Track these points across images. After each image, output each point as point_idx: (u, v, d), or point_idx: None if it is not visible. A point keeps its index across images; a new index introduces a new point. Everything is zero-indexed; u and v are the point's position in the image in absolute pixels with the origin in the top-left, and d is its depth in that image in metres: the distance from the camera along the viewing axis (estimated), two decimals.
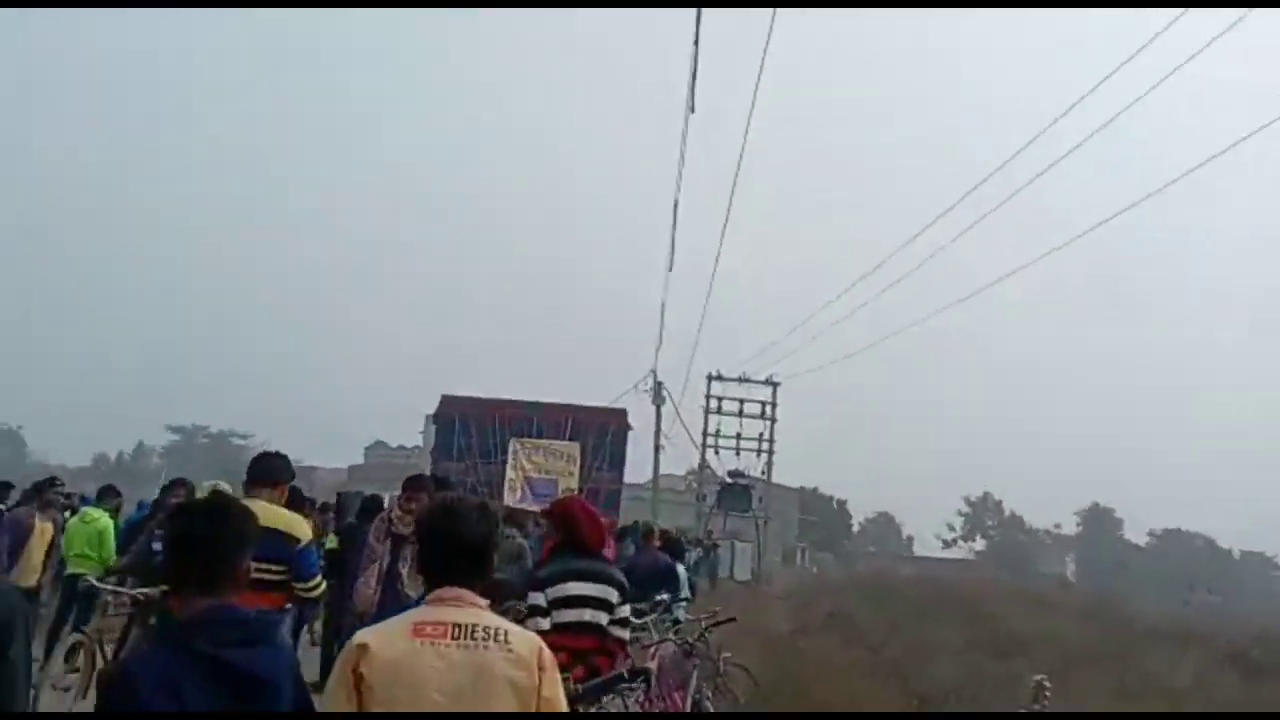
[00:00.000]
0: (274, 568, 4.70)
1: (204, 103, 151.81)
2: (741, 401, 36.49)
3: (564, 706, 2.57)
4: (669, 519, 39.66)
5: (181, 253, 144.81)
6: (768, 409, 36.01)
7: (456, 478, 28.01)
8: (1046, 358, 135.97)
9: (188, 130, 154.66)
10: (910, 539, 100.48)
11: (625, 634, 4.82)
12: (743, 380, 36.36)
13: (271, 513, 4.70)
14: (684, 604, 9.88)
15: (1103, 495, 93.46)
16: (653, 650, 6.27)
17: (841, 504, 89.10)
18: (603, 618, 4.65)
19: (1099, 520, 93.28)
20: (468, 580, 2.58)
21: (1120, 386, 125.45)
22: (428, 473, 30.55)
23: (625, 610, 4.76)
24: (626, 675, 4.96)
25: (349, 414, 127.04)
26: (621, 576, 4.86)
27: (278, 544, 4.68)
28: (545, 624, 4.59)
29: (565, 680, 4.60)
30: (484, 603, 2.58)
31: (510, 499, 26.94)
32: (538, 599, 4.62)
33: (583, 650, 4.58)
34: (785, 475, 49.63)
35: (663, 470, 41.99)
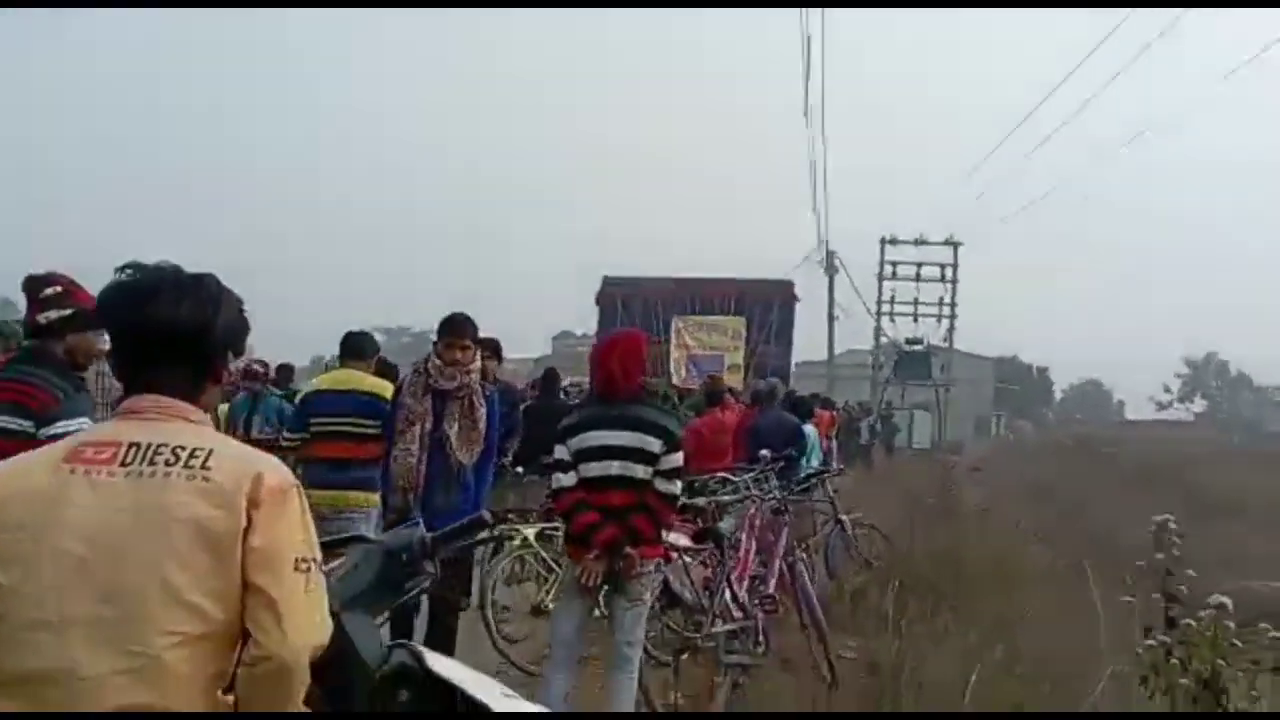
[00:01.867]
0: (370, 423, 5.40)
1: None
2: (919, 265, 34.54)
3: (288, 563, 1.65)
4: (848, 393, 38.62)
5: None
6: (948, 271, 33.95)
7: None
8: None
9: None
10: (1121, 404, 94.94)
11: (675, 487, 4.16)
12: (919, 243, 34.32)
13: (366, 380, 5.67)
14: (812, 466, 9.23)
15: None
16: (750, 512, 5.66)
17: (1043, 371, 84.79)
18: (638, 470, 4.03)
19: None
20: (173, 383, 1.76)
21: None
22: None
23: (675, 459, 4.09)
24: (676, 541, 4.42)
25: (536, 306, 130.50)
26: (669, 421, 4.22)
27: (373, 403, 5.46)
28: (569, 479, 4.11)
29: (583, 547, 4.00)
30: (200, 416, 1.78)
31: (677, 379, 26.71)
32: (561, 452, 4.13)
33: (615, 508, 4.02)
34: (981, 344, 47.38)
35: (847, 345, 40.78)
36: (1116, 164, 64.83)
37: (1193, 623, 3.21)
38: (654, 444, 4.04)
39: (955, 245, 33.46)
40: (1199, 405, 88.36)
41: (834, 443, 17.10)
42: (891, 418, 31.29)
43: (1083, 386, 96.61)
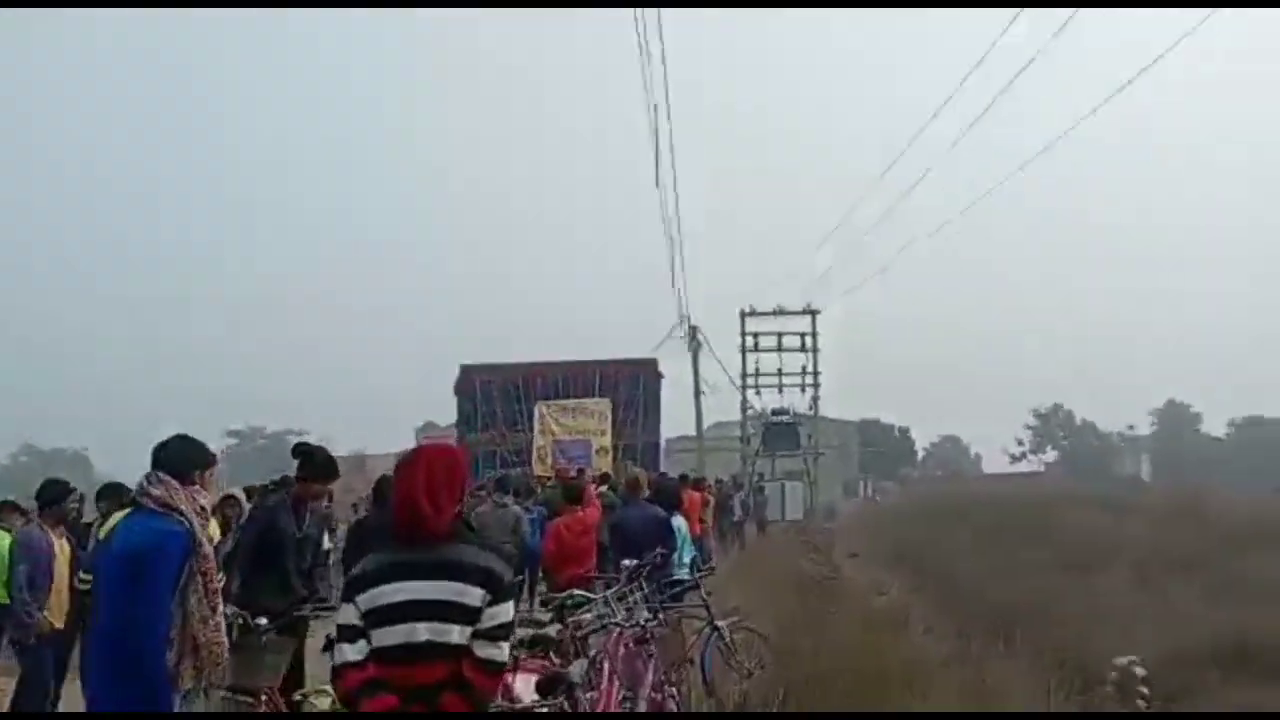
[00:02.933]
0: None
1: (219, 100, 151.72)
2: (779, 335, 34.79)
3: None
4: (719, 467, 38.37)
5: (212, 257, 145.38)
6: (808, 340, 34.30)
7: (485, 449, 27.00)
8: (1102, 248, 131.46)
9: (208, 133, 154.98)
10: (978, 457, 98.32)
11: (502, 652, 3.15)
12: (779, 313, 34.64)
13: None
14: (685, 566, 8.51)
15: (1177, 392, 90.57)
16: (612, 639, 4.86)
17: (904, 431, 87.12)
18: (453, 633, 3.04)
19: (1175, 416, 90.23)
20: None
21: (1184, 270, 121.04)
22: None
23: (503, 611, 3.11)
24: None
25: (398, 398, 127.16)
26: (495, 562, 3.16)
27: None
28: (356, 651, 3.04)
29: None
30: None
31: (540, 468, 25.74)
32: (347, 614, 3.10)
33: (421, 687, 3.02)
34: (842, 408, 48.11)
35: (714, 419, 40.64)
36: (957, 228, 68.05)
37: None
38: (474, 595, 3.06)
39: (814, 313, 33.92)
40: (1050, 455, 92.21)
41: (707, 524, 16.45)
42: (763, 490, 31.06)
43: (942, 444, 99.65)
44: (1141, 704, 8.48)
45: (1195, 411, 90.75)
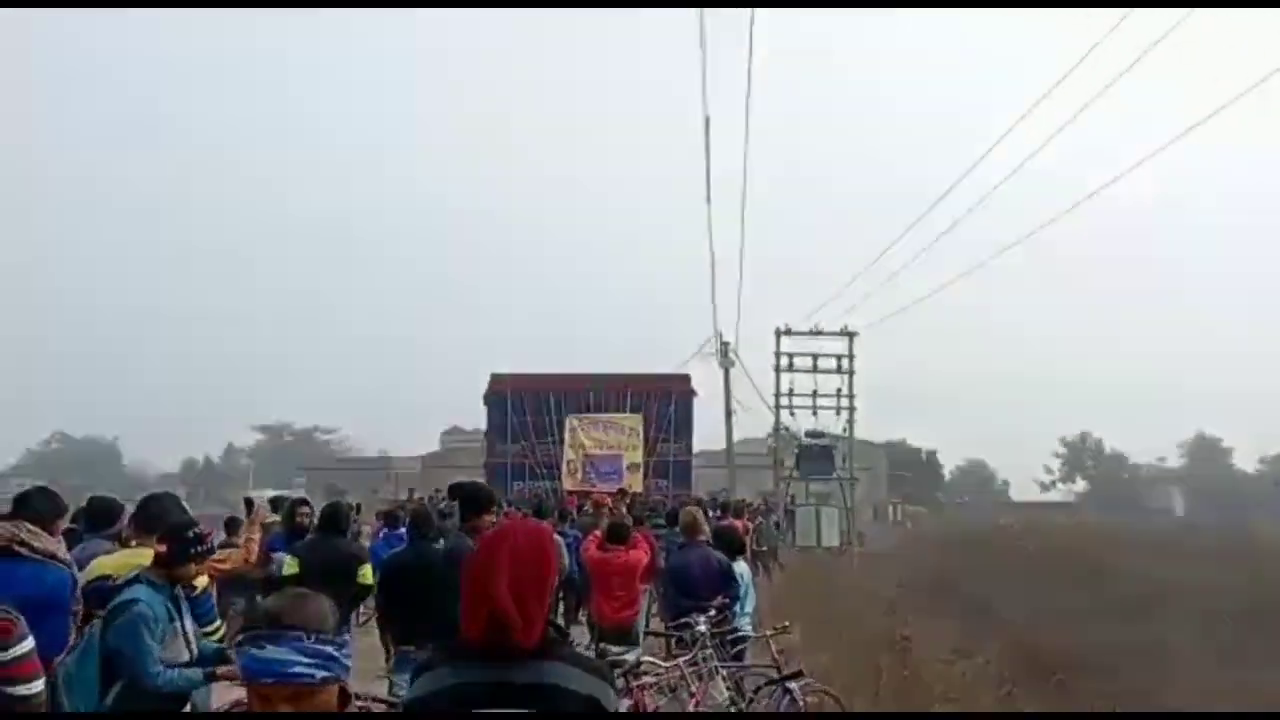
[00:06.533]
0: None
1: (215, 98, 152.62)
2: (815, 356, 33.88)
3: None
4: (750, 485, 37.52)
5: (245, 250, 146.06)
6: (844, 362, 33.35)
7: (514, 461, 26.36)
8: (1134, 286, 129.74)
9: (220, 130, 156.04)
10: (1006, 484, 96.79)
11: None
12: (815, 333, 33.69)
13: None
14: (748, 616, 7.75)
15: (1208, 424, 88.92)
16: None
17: (931, 455, 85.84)
18: None
19: (1206, 450, 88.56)
20: None
21: (1213, 306, 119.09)
22: (483, 459, 29.16)
23: None
24: None
25: (426, 400, 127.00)
26: (599, 685, 2.33)
27: None
28: None
29: None
30: None
31: (570, 482, 25.07)
32: None
33: None
34: (870, 430, 47.10)
35: (742, 434, 39.75)
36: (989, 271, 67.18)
37: None
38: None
39: (850, 335, 32.92)
40: (1079, 485, 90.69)
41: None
42: (793, 514, 30.20)
43: (968, 468, 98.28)
44: None
45: (1226, 446, 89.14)
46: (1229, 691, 11.50)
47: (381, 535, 13.11)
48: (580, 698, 2.28)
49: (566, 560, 10.72)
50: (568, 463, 25.90)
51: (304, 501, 8.43)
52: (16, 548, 4.04)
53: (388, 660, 9.29)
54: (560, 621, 10.23)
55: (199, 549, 4.16)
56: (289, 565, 6.72)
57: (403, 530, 13.49)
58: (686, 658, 5.06)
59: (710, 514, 12.58)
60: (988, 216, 20.57)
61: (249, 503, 8.15)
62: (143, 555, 4.18)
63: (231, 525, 8.35)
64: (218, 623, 5.09)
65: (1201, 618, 16.06)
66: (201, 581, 4.78)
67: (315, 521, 7.68)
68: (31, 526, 4.14)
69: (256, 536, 6.65)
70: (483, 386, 27.89)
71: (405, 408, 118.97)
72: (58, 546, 4.20)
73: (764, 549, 22.99)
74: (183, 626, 4.07)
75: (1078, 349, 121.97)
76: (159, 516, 4.67)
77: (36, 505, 4.36)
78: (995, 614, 15.86)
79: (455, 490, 6.51)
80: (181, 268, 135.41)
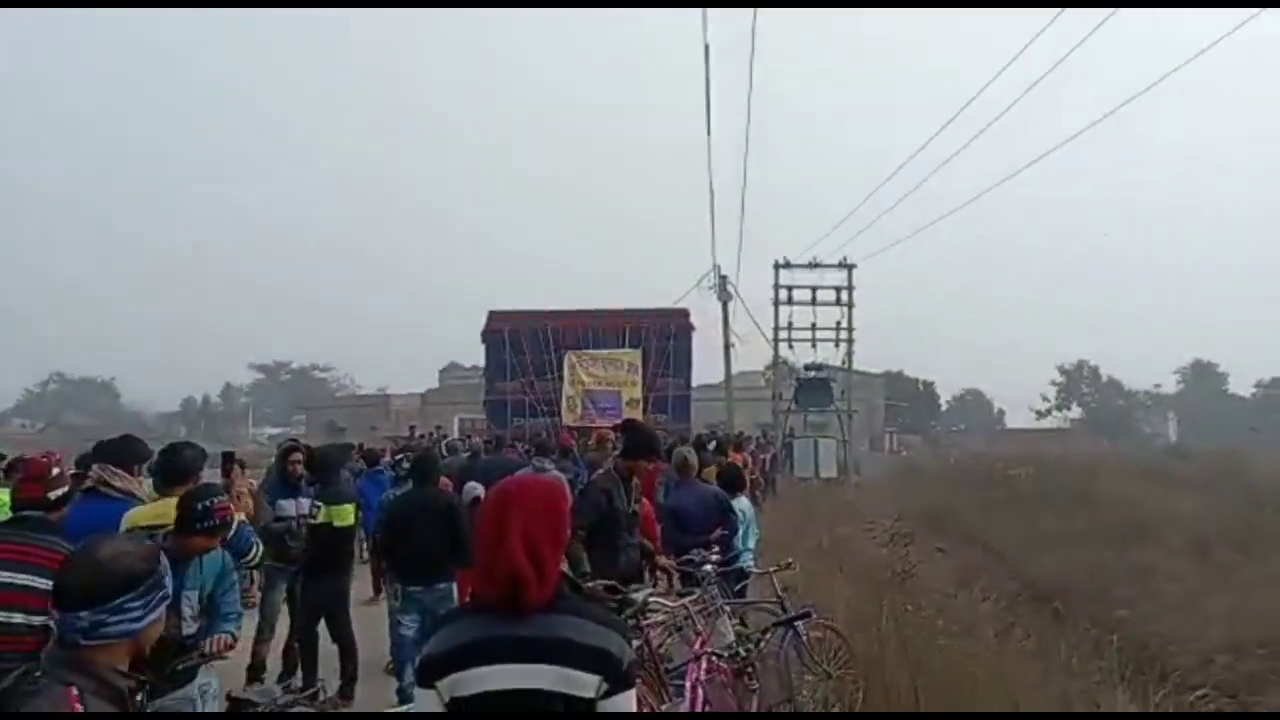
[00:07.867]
0: None
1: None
2: (814, 289, 33.88)
3: None
4: (749, 418, 37.72)
5: (246, 194, 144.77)
6: (843, 294, 33.36)
7: (513, 397, 26.48)
8: (1137, 210, 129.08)
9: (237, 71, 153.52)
10: (1002, 413, 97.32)
11: None
12: (814, 265, 33.66)
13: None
14: (750, 551, 7.92)
15: (1204, 351, 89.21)
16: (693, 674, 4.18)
17: (928, 385, 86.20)
18: None
19: (1201, 375, 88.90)
20: None
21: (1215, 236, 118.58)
22: (482, 396, 29.23)
23: (624, 704, 2.34)
24: None
25: (423, 338, 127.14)
26: (612, 638, 2.39)
27: None
28: None
29: None
30: None
31: (569, 418, 25.22)
32: (426, 701, 2.36)
33: None
34: (868, 361, 47.28)
35: (741, 368, 39.87)
36: (986, 202, 66.73)
37: None
38: (587, 683, 2.33)
39: (850, 268, 32.92)
40: (1075, 412, 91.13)
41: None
42: (792, 446, 30.49)
43: (964, 397, 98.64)
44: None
45: (1222, 371, 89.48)
46: (1222, 616, 11.81)
47: (363, 474, 13.05)
48: (592, 650, 2.35)
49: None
50: (567, 399, 26.03)
51: (294, 448, 7.92)
52: (102, 488, 4.48)
53: (376, 596, 9.33)
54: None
55: (205, 524, 4.03)
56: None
57: (383, 469, 13.46)
58: (693, 597, 5.20)
59: (706, 451, 12.69)
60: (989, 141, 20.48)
61: (227, 458, 7.99)
62: (171, 506, 4.20)
63: (227, 460, 8.00)
64: (255, 549, 5.13)
65: (1193, 542, 16.38)
66: (237, 517, 4.82)
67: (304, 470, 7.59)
68: (114, 469, 4.61)
69: (245, 490, 7.03)
70: (481, 323, 27.90)
71: (404, 345, 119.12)
72: (137, 486, 4.67)
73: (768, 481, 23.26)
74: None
75: (1075, 275, 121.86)
76: (183, 470, 4.72)
77: (119, 449, 4.82)
78: (990, 543, 16.15)
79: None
80: (176, 211, 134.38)
